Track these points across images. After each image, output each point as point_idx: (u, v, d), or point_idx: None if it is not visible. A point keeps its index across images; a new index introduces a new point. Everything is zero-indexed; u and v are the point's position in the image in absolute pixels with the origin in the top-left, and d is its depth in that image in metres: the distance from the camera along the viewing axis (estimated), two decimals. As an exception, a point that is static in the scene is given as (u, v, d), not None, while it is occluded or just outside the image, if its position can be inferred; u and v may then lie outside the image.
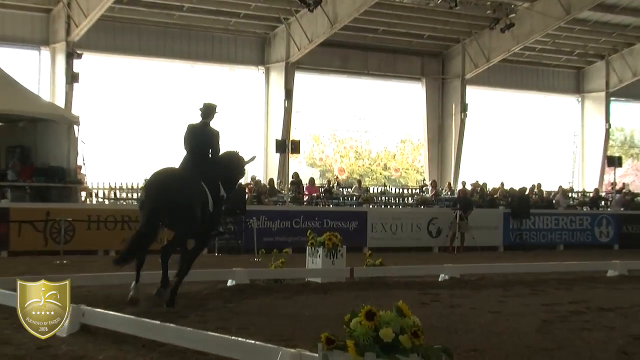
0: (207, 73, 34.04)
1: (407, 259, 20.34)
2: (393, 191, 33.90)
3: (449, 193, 32.02)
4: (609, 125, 40.47)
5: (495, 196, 30.65)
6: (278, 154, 30.43)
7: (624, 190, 34.39)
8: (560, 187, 33.70)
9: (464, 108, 36.12)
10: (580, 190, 38.06)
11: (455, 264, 16.71)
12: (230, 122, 34.06)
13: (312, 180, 30.83)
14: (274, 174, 32.12)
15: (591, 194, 34.22)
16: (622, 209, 30.99)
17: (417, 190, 33.03)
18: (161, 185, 10.84)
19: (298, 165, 35.58)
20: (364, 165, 38.27)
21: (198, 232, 11.28)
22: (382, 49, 35.97)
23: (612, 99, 40.60)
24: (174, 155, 12.36)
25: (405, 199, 31.36)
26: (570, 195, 34.61)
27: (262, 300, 12.06)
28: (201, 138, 11.66)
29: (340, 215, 24.91)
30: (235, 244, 22.67)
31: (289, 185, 27.57)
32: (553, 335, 9.38)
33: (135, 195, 26.18)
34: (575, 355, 8.22)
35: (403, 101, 38.08)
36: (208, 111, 11.85)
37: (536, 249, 26.50)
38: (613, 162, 31.55)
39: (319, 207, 26.90)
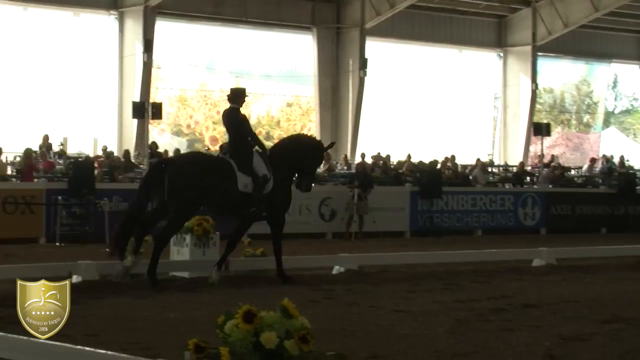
0: (44, 18, 33.21)
1: (295, 248, 20.41)
2: (278, 165, 33.88)
3: (345, 168, 32.27)
4: (536, 86, 41.43)
5: (400, 171, 31.06)
6: (135, 120, 29.99)
7: (552, 164, 35.37)
8: (479, 160, 34.39)
9: (363, 64, 36.36)
10: (502, 163, 38.94)
11: (352, 254, 16.91)
12: (75, 80, 33.47)
13: (177, 152, 30.56)
14: (130, 144, 31.64)
15: (515, 169, 35.07)
16: (550, 186, 31.87)
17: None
18: (161, 166, 14.52)
19: (160, 133, 35.19)
20: (241, 133, 38.18)
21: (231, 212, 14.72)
22: (264, -9, 35.85)
23: (539, 54, 41.57)
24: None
25: (293, 175, 31.39)
26: (490, 169, 35.38)
27: (115, 301, 11.92)
28: (231, 123, 14.74)
29: (212, 195, 24.81)
30: (81, 231, 22.32)
31: (149, 159, 27.27)
32: (469, 338, 9.60)
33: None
34: (495, 360, 8.44)
35: (289, 55, 38.08)
36: (236, 96, 14.84)
37: (450, 235, 27.00)
38: (540, 130, 32.36)
39: (186, 185, 26.67)
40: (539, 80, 41.84)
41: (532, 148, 41.13)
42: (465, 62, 42.20)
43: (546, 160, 35.36)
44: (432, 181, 28.18)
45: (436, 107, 41.04)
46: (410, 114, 40.37)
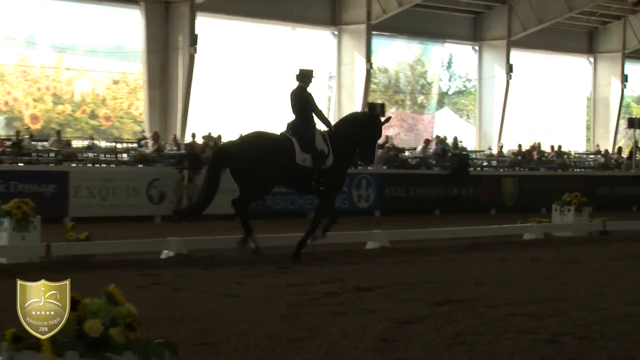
0: None
1: (122, 232, 20.23)
2: (103, 145, 33.42)
3: (175, 148, 32.08)
4: (370, 66, 42.04)
5: (232, 152, 31.04)
6: (-52, 96, 29.07)
7: (387, 145, 36.01)
8: (312, 140, 34.68)
9: (193, 41, 36.13)
10: (336, 144, 39.35)
11: (182, 237, 16.83)
12: None
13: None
14: (-58, 122, 30.69)
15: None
16: (384, 167, 32.45)
17: (135, 145, 32.82)
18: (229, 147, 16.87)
19: (-24, 111, 34.19)
20: (64, 111, 37.44)
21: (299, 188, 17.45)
22: (89, -38, 35.20)
23: (373, 32, 42.18)
24: None
25: (119, 155, 31.05)
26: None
27: None
28: (297, 100, 16.33)
29: (32, 176, 24.30)
30: None
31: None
32: (302, 322, 9.71)
33: None
34: (328, 344, 8.56)
35: (117, 30, 37.51)
36: (304, 76, 16.50)
37: (283, 217, 27.18)
38: (374, 110, 32.90)
39: (4, 165, 26.07)
40: (373, 60, 42.46)
41: (366, 129, 41.72)
42: (299, 40, 42.45)
43: (380, 141, 35.95)
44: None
45: (270, 85, 41.13)
46: (243, 93, 40.38)
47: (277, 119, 40.18)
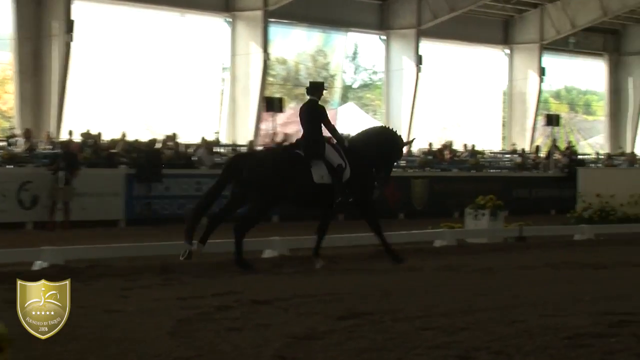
0: None
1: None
2: (-32, 144, 32.90)
3: (49, 147, 31.68)
4: (268, 56, 42.03)
5: (114, 151, 30.82)
6: None
7: (285, 143, 36.06)
8: (204, 139, 34.60)
9: (69, 27, 35.66)
10: (230, 143, 39.32)
11: (57, 246, 16.65)
12: None
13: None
14: None
15: (244, 149, 35.49)
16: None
17: (4, 143, 32.35)
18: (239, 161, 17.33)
19: None
20: None
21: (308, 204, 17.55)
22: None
23: (271, 20, 42.11)
24: None
25: (-14, 155, 30.59)
26: (216, 150, 35.67)
27: None
28: (308, 114, 16.90)
29: None
30: None
31: None
32: (192, 339, 9.68)
33: None
34: (220, 364, 8.57)
35: (-18, 14, 36.97)
36: (315, 88, 17.22)
37: (171, 223, 27.06)
38: (272, 105, 32.96)
39: None
40: (271, 50, 42.45)
41: (263, 126, 41.75)
42: (189, 27, 42.19)
43: (279, 139, 36.03)
44: (151, 163, 28.15)
45: (155, 78, 40.86)
46: (125, 86, 40.01)
47: (163, 113, 40.08)
